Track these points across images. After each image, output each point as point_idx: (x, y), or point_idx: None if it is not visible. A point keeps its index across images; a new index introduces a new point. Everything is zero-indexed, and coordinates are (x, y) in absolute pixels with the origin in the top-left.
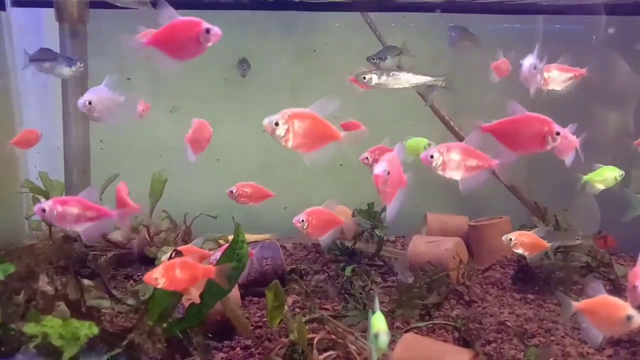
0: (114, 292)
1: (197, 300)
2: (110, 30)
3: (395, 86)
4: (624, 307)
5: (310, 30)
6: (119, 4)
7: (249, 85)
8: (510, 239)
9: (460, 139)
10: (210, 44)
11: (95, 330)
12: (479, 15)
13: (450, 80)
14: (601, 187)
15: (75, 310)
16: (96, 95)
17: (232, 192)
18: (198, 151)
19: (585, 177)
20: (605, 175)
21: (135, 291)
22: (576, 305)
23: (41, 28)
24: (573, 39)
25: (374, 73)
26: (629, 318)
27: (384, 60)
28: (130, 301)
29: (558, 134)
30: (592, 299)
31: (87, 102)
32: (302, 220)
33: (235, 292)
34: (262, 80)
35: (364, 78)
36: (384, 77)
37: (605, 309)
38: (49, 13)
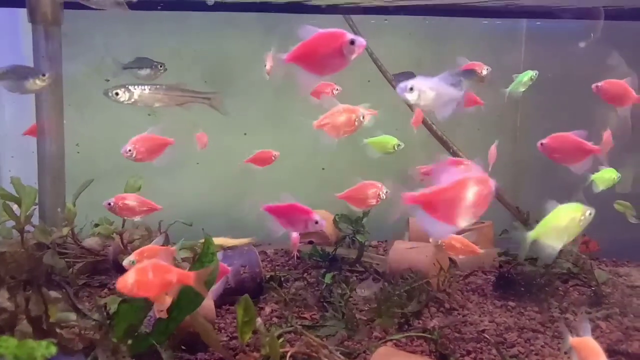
0: (85, 303)
1: (165, 310)
2: (87, 31)
3: (155, 104)
4: (599, 356)
5: (292, 32)
6: (94, 6)
7: (229, 88)
8: (439, 242)
9: (443, 143)
10: (354, 55)
11: (53, 350)
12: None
13: (218, 98)
14: (602, 187)
15: (37, 326)
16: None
17: (109, 204)
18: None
19: (592, 176)
20: (606, 177)
21: (101, 306)
22: (571, 341)
23: (17, 29)
24: (567, 36)
25: (127, 88)
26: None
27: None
28: (97, 316)
29: (352, 42)
30: (581, 339)
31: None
32: (129, 150)
33: (208, 304)
34: (243, 82)
35: (116, 94)
36: (139, 92)
37: (586, 352)
38: (25, 13)
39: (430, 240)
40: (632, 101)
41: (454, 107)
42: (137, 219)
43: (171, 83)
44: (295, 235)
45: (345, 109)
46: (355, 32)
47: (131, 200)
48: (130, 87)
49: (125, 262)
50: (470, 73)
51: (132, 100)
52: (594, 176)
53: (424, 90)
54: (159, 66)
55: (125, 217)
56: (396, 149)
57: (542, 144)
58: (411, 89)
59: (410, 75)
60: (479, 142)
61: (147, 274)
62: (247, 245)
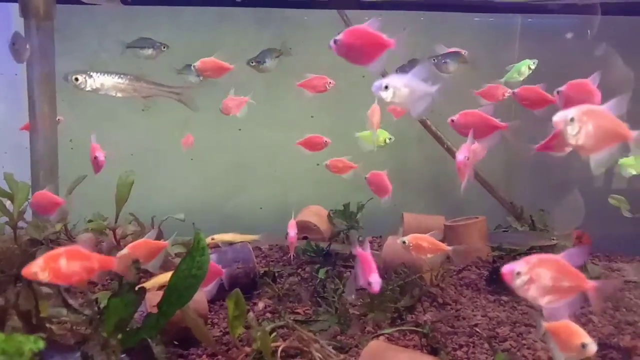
0: (75, 299)
1: (155, 305)
2: (79, 27)
3: (118, 94)
4: (580, 335)
5: (286, 27)
6: (87, 1)
7: (223, 83)
8: (404, 242)
9: (437, 138)
10: None
11: (41, 344)
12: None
13: (187, 93)
14: (633, 172)
15: (26, 321)
16: None
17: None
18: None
19: (620, 161)
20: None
21: (92, 301)
22: (545, 325)
23: (10, 24)
24: (561, 32)
25: (88, 75)
26: (583, 346)
27: (264, 63)
28: (87, 311)
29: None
30: (557, 322)
31: None
32: None
33: (200, 298)
34: (237, 77)
35: (76, 79)
36: (101, 80)
37: (565, 334)
38: (17, 8)
39: (398, 240)
40: (547, 103)
41: (429, 103)
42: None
43: (139, 74)
44: (292, 234)
45: None
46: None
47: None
48: (92, 73)
49: (117, 256)
50: (455, 55)
51: (93, 87)
52: (622, 161)
53: (399, 87)
54: (162, 47)
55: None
56: (387, 142)
57: (452, 120)
58: (386, 87)
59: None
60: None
61: (60, 260)
62: (252, 242)
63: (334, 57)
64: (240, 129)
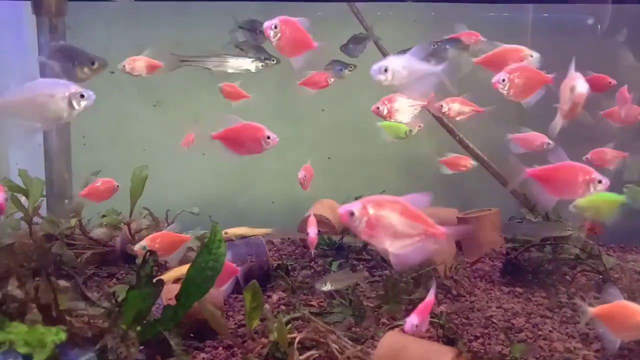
0: (92, 292)
1: (173, 297)
2: (90, 23)
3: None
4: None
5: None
6: None
7: (235, 78)
8: None
9: (450, 131)
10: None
11: (63, 336)
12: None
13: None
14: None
15: (46, 314)
16: None
17: None
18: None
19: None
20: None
21: (110, 293)
22: (593, 311)
23: (21, 21)
24: (572, 28)
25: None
26: (600, 181)
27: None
28: (105, 304)
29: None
30: (608, 305)
31: None
32: None
33: (216, 291)
34: (247, 73)
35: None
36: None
37: (623, 315)
38: (28, 6)
39: None
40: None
41: (432, 81)
42: None
43: None
44: (313, 234)
45: None
46: (361, 21)
47: None
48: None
49: (137, 247)
50: (455, 41)
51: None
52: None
53: (397, 69)
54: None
55: None
56: (407, 134)
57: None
58: (385, 70)
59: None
60: (484, 130)
61: None
62: (265, 235)
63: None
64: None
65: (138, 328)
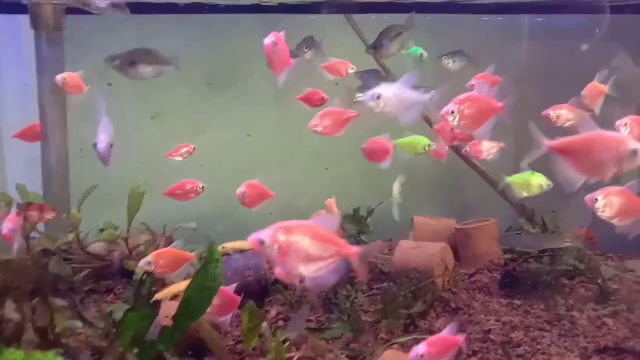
0: (92, 309)
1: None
2: (89, 36)
3: None
4: (625, 140)
5: (293, 32)
6: (94, 11)
7: (232, 89)
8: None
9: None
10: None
11: None
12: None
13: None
14: (524, 193)
15: (43, 337)
16: None
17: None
18: None
19: (508, 179)
20: (529, 181)
21: (107, 314)
22: (549, 143)
23: (20, 35)
24: (569, 31)
25: None
26: (634, 152)
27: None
28: (101, 324)
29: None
30: (577, 136)
31: None
32: None
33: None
34: (246, 83)
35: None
36: None
37: (598, 146)
38: (27, 20)
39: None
40: None
41: (420, 110)
42: None
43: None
44: None
45: None
46: (357, 31)
47: None
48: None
49: (141, 263)
50: (460, 52)
51: None
52: (510, 179)
53: (390, 97)
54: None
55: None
56: (427, 150)
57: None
58: (378, 97)
59: (375, 73)
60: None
61: None
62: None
63: (344, 59)
64: (249, 135)
65: (135, 350)
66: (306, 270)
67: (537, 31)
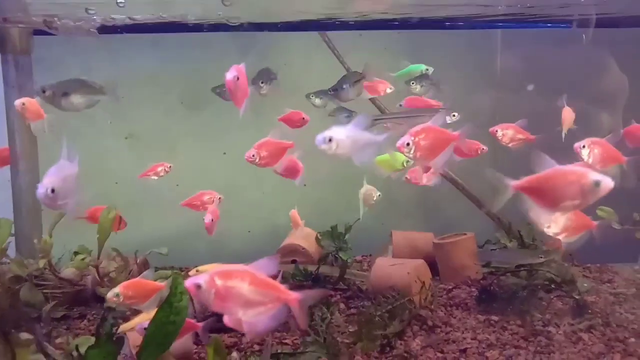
0: (64, 337)
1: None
2: (62, 57)
3: None
4: (586, 174)
5: (268, 51)
6: (63, 34)
7: (208, 108)
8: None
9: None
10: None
11: None
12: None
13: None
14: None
15: None
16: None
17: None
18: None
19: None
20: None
21: (69, 352)
22: (514, 184)
23: None
24: (543, 40)
25: None
26: (596, 184)
27: (342, 90)
28: None
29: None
30: (540, 174)
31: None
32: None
33: (183, 338)
34: (222, 102)
35: None
36: None
37: (561, 181)
38: None
39: None
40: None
41: (374, 150)
42: None
43: None
44: (208, 219)
45: None
46: (331, 49)
47: None
48: None
49: (109, 295)
50: (426, 77)
51: None
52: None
53: (342, 139)
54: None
55: None
56: (405, 165)
57: None
58: (330, 140)
59: (348, 112)
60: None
61: None
62: None
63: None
64: (225, 153)
65: None
66: (245, 315)
67: (510, 42)
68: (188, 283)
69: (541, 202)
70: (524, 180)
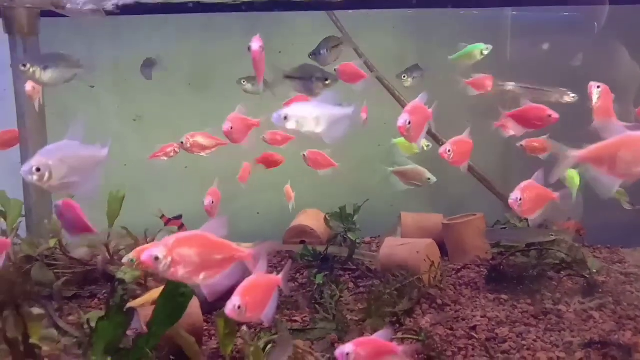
0: (75, 314)
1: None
2: (66, 38)
3: None
4: None
5: (274, 31)
6: (70, 15)
7: (214, 90)
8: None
9: (433, 136)
10: None
11: None
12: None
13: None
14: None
15: (14, 349)
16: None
17: None
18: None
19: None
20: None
21: (82, 323)
22: (579, 155)
23: None
24: (553, 26)
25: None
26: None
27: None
28: (77, 333)
29: None
30: (609, 141)
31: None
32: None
33: (194, 311)
34: (228, 83)
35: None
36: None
37: (629, 148)
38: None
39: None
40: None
41: (346, 127)
42: None
43: None
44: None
45: None
46: (339, 28)
47: None
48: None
49: (124, 260)
50: (417, 68)
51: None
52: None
53: (303, 116)
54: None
55: None
56: (426, 149)
57: None
58: (285, 117)
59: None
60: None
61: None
62: None
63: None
64: None
65: (109, 359)
66: (203, 279)
67: (521, 26)
68: (144, 257)
69: (613, 171)
70: (589, 150)
